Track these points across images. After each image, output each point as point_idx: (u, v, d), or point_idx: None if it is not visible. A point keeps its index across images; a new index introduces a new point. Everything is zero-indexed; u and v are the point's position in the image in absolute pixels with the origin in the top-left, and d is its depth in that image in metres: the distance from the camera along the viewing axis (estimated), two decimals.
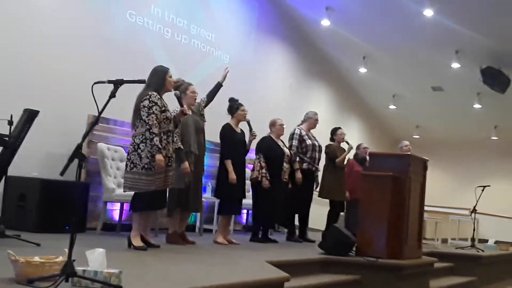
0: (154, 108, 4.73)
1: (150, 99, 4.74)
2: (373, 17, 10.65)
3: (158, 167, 4.70)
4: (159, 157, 4.67)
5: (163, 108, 4.84)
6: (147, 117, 4.71)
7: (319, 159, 7.31)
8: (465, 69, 11.35)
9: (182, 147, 5.34)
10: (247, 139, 6.35)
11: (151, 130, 4.69)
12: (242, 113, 6.29)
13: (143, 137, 4.74)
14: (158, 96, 4.82)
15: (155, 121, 4.71)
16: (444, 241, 10.10)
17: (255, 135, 6.33)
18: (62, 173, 2.91)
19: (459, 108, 13.95)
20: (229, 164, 6.06)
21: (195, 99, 5.73)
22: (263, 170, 6.54)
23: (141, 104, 4.76)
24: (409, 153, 6.06)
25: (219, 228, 6.29)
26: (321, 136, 7.69)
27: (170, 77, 4.99)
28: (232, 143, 6.16)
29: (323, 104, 12.54)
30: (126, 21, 7.53)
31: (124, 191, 4.95)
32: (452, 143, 16.40)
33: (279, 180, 6.66)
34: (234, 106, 6.30)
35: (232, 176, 6.02)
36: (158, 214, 6.21)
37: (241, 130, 6.38)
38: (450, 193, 15.72)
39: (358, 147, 8.20)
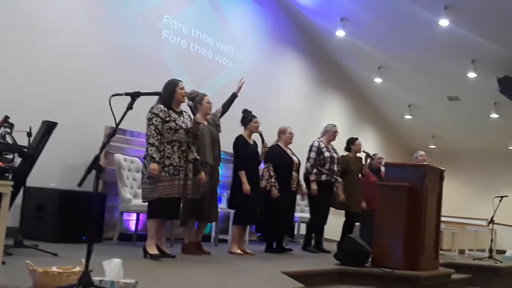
0: (154, 119, 4.91)
1: (152, 111, 4.96)
2: (388, 27, 10.64)
3: (154, 176, 4.82)
4: (152, 166, 4.83)
5: (167, 119, 4.95)
6: (147, 128, 4.94)
7: (339, 170, 7.30)
8: (482, 78, 11.27)
9: (198, 157, 5.39)
10: (259, 150, 6.37)
11: (148, 140, 4.92)
12: (255, 125, 6.32)
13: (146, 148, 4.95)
14: (162, 108, 4.95)
15: (153, 132, 4.89)
16: (461, 252, 9.99)
17: (268, 147, 6.35)
18: (80, 184, 2.95)
19: (475, 117, 13.84)
20: (243, 175, 6.08)
21: (210, 108, 5.79)
22: (272, 179, 6.55)
23: (146, 117, 4.96)
24: (425, 163, 6.02)
25: (234, 238, 6.31)
26: (336, 146, 7.69)
27: (182, 88, 5.09)
28: (246, 154, 6.19)
29: (338, 114, 12.51)
30: (143, 33, 7.61)
31: (142, 201, 5.11)
32: (469, 153, 16.25)
33: (288, 188, 6.66)
34: (247, 118, 6.33)
35: (246, 187, 6.05)
36: (174, 224, 6.27)
37: (254, 141, 6.41)
38: (467, 204, 15.55)
39: (373, 158, 8.18)
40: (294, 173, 6.77)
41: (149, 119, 4.93)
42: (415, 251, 5.63)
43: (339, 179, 7.31)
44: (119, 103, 3.17)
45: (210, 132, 5.79)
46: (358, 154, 7.80)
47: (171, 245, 6.22)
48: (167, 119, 4.95)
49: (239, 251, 6.11)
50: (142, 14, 7.64)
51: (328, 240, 8.23)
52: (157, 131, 4.89)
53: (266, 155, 6.65)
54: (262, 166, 6.62)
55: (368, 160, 7.78)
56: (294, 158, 6.86)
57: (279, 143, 6.89)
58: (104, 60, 6.96)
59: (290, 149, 6.97)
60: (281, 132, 6.96)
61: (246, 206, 6.13)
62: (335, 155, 7.28)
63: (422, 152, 8.43)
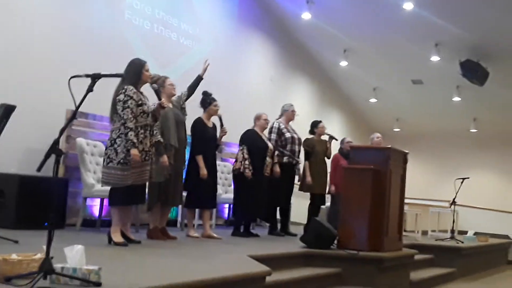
0: (129, 102, 4.69)
1: (126, 93, 4.71)
2: (354, 10, 10.68)
3: (134, 162, 4.67)
4: (134, 151, 4.65)
5: (140, 102, 4.79)
6: (122, 111, 4.68)
7: (299, 151, 7.33)
8: (445, 62, 11.44)
9: (161, 140, 5.29)
10: (218, 134, 6.32)
11: (125, 125, 4.67)
12: (215, 108, 6.26)
13: (119, 131, 4.72)
14: (134, 90, 4.78)
15: (130, 115, 4.68)
16: (424, 233, 10.19)
17: (226, 131, 6.30)
18: (39, 169, 2.86)
19: (438, 101, 14.07)
20: (200, 159, 6.03)
21: (174, 89, 5.69)
22: (246, 162, 6.54)
23: (117, 98, 4.73)
24: (389, 146, 6.07)
25: (188, 222, 6.28)
26: (302, 129, 7.70)
27: (147, 70, 4.93)
28: (203, 138, 6.14)
29: (304, 97, 12.55)
30: (104, 14, 7.43)
31: (101, 186, 4.92)
32: (432, 135, 16.55)
33: (261, 173, 6.66)
34: (207, 100, 6.26)
35: (204, 171, 6.00)
36: (138, 209, 6.19)
37: (213, 124, 6.35)
38: (430, 186, 15.88)
39: (342, 142, 8.23)
40: (268, 159, 6.76)
41: (124, 102, 4.67)
42: (379, 233, 5.70)
43: (300, 160, 7.32)
44: (80, 86, 3.07)
45: (175, 114, 5.71)
46: (322, 137, 7.82)
47: (136, 230, 6.15)
48: (140, 102, 4.79)
49: (196, 234, 6.08)
50: None
51: (294, 223, 8.27)
52: (133, 114, 4.70)
53: (241, 138, 6.65)
54: (231, 150, 6.57)
55: (332, 143, 7.79)
56: (269, 144, 6.87)
57: (255, 128, 6.88)
58: (64, 41, 6.78)
59: (265, 135, 6.97)
60: (257, 118, 6.96)
61: (201, 189, 6.07)
62: (295, 135, 7.29)
63: (378, 134, 8.49)
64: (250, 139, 6.71)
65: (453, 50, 11.10)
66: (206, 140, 6.16)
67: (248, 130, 6.84)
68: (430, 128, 16.18)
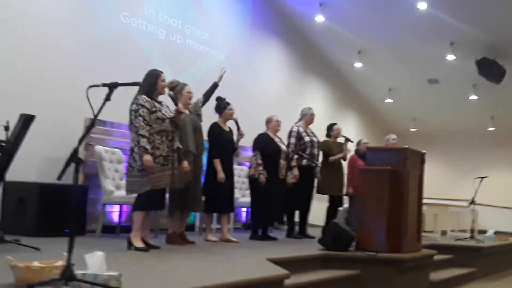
0: (140, 111, 4.83)
1: (138, 103, 4.86)
2: (367, 11, 10.65)
3: (148, 168, 4.77)
4: (146, 157, 4.77)
5: (154, 109, 4.91)
6: (134, 119, 4.84)
7: (319, 155, 7.34)
8: (460, 60, 11.37)
9: (180, 146, 5.35)
10: (235, 137, 6.36)
11: (138, 132, 4.82)
12: (230, 112, 6.29)
13: (135, 140, 4.87)
14: (147, 99, 4.90)
15: (142, 123, 4.82)
16: (444, 233, 10.11)
17: (243, 134, 6.32)
18: (59, 178, 2.91)
19: (455, 100, 13.97)
20: (217, 163, 6.07)
21: (191, 98, 5.75)
22: (260, 168, 6.56)
23: (130, 108, 4.88)
24: (406, 146, 6.05)
25: (207, 226, 6.33)
26: (318, 132, 7.70)
27: (163, 80, 5.05)
28: (220, 142, 6.18)
29: (319, 99, 12.54)
30: (120, 23, 7.51)
31: (126, 194, 5.07)
32: (449, 135, 16.42)
33: (276, 176, 6.67)
34: (221, 105, 6.30)
35: (221, 175, 6.03)
36: (158, 214, 6.24)
37: (229, 128, 6.38)
38: (448, 185, 15.74)
39: (358, 143, 8.21)
40: (282, 161, 6.77)
41: (136, 111, 4.84)
42: (398, 234, 5.68)
43: (319, 164, 7.32)
44: (98, 94, 3.13)
45: (192, 121, 5.76)
46: (338, 139, 7.82)
47: (155, 236, 6.20)
48: (153, 109, 4.92)
49: (214, 238, 6.12)
50: (121, 4, 7.54)
51: (312, 225, 8.27)
52: (145, 122, 4.83)
53: (254, 143, 6.67)
54: (246, 154, 6.60)
55: (348, 145, 7.78)
56: (282, 146, 6.87)
57: (267, 132, 6.89)
58: (81, 51, 6.87)
59: (278, 137, 6.97)
60: (268, 121, 6.97)
61: (219, 194, 6.10)
62: (314, 139, 7.30)
63: (393, 135, 8.47)
64: (262, 143, 6.72)
65: (469, 49, 11.01)
66: (223, 144, 6.20)
67: (260, 134, 6.85)
68: (447, 127, 16.05)
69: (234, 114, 6.33)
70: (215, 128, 6.24)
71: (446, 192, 14.13)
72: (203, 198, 6.12)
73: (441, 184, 15.09)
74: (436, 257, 6.61)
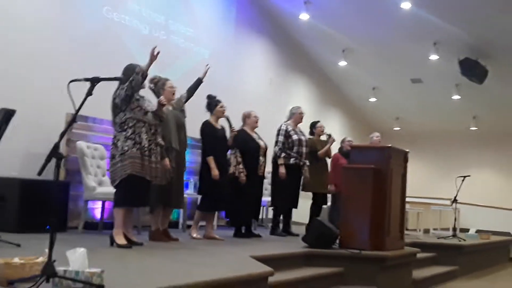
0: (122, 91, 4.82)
1: (119, 88, 4.84)
2: (352, 10, 10.68)
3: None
4: None
5: (137, 97, 4.90)
6: (117, 96, 4.83)
7: (307, 153, 7.32)
8: (444, 60, 11.44)
9: (163, 143, 5.30)
10: (227, 135, 6.33)
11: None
12: (221, 109, 6.28)
13: (120, 127, 4.82)
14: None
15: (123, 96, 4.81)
16: (426, 231, 10.20)
17: (236, 131, 6.31)
18: (39, 173, 2.87)
19: (438, 99, 14.07)
20: (211, 161, 6.04)
21: (174, 93, 5.70)
22: (240, 166, 6.49)
23: (115, 100, 4.85)
24: (389, 145, 6.07)
25: (194, 223, 6.29)
26: (303, 130, 7.70)
27: (138, 73, 4.96)
28: (214, 139, 6.15)
29: (303, 98, 12.54)
30: (102, 18, 7.44)
31: (112, 186, 4.95)
32: (432, 134, 16.55)
33: (255, 174, 6.64)
34: (212, 103, 6.29)
35: (215, 172, 6.01)
36: (140, 211, 6.20)
37: (221, 126, 6.37)
38: (431, 184, 15.87)
39: (342, 141, 8.24)
40: (261, 158, 6.74)
41: (118, 94, 4.81)
42: (381, 231, 5.71)
43: (307, 162, 7.32)
44: (80, 90, 3.08)
45: (175, 117, 5.71)
46: (321, 137, 7.84)
47: (138, 232, 6.16)
48: (137, 97, 4.89)
49: (199, 235, 6.10)
50: None
51: (296, 223, 8.27)
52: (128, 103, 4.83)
53: (233, 140, 6.63)
54: (229, 151, 6.57)
55: (332, 142, 7.77)
56: (261, 143, 6.82)
57: (245, 128, 6.84)
58: (63, 45, 6.78)
59: (256, 134, 6.93)
60: (246, 116, 6.91)
61: (215, 192, 6.09)
62: (303, 137, 7.31)
63: (377, 134, 8.54)
64: (241, 140, 6.58)
65: (452, 49, 11.09)
66: (216, 141, 6.17)
67: (237, 131, 6.78)
68: (430, 126, 16.18)
69: (225, 111, 6.30)
70: (207, 126, 6.21)
71: (429, 191, 14.25)
72: (199, 197, 6.09)
73: (424, 183, 15.21)
74: (419, 255, 6.65)
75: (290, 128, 7.26)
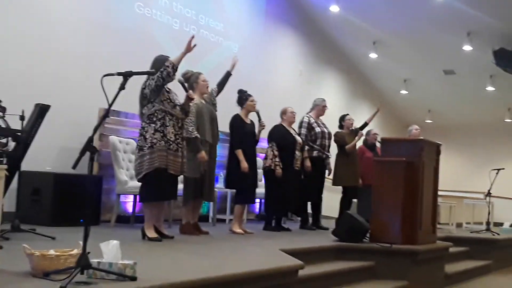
0: (153, 82, 4.81)
1: (150, 79, 4.83)
2: (382, 1, 10.56)
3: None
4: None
5: (167, 89, 4.90)
6: (148, 86, 4.80)
7: (329, 146, 7.29)
8: (477, 51, 11.22)
9: (198, 136, 5.34)
10: (256, 129, 6.34)
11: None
12: (251, 103, 6.28)
13: (148, 119, 4.79)
14: None
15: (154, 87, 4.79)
16: (459, 225, 10.05)
17: (264, 125, 6.32)
18: (74, 167, 2.92)
19: (471, 91, 13.81)
20: (240, 153, 6.06)
21: (208, 87, 5.74)
22: (276, 159, 6.55)
23: (144, 90, 4.84)
24: (421, 137, 6.00)
25: (235, 218, 6.28)
26: (333, 123, 7.67)
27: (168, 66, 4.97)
28: (242, 133, 6.17)
29: (333, 90, 12.47)
30: (134, 13, 7.52)
31: (137, 179, 4.95)
32: (465, 126, 16.25)
33: (292, 168, 6.66)
34: (243, 97, 6.30)
35: (244, 165, 6.02)
36: (171, 205, 6.26)
37: (250, 120, 6.38)
38: (464, 177, 15.61)
39: (368, 133, 8.16)
40: (297, 152, 6.75)
41: (149, 83, 4.82)
42: (413, 225, 5.65)
43: (330, 155, 7.28)
44: (112, 84, 3.12)
45: (209, 111, 5.76)
46: (351, 130, 7.78)
47: (169, 226, 6.23)
48: (167, 89, 4.91)
49: (240, 230, 6.10)
50: None
51: (326, 217, 8.25)
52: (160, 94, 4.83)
53: (270, 134, 6.65)
54: (260, 144, 6.59)
55: (360, 137, 7.70)
56: (298, 138, 6.85)
57: (283, 123, 6.87)
58: (96, 40, 6.89)
59: (293, 129, 6.95)
60: (283, 113, 6.94)
61: (245, 184, 6.11)
62: (325, 130, 7.26)
63: (416, 126, 8.44)
64: (278, 135, 6.70)
65: (486, 39, 10.87)
66: (245, 135, 6.19)
67: (275, 126, 6.83)
68: (463, 118, 15.89)
69: (256, 105, 6.31)
70: (237, 120, 6.23)
71: (462, 184, 14.03)
72: (230, 191, 6.09)
73: (456, 176, 14.96)
74: (452, 249, 6.56)
75: (312, 120, 7.22)
